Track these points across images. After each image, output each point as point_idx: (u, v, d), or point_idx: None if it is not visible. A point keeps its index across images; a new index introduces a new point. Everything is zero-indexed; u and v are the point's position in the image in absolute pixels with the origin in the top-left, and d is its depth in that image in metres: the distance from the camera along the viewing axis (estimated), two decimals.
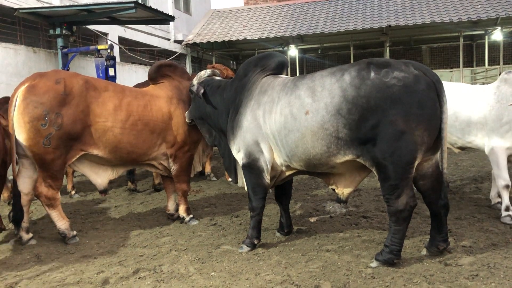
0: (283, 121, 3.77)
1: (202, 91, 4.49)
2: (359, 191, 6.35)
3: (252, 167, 4.05)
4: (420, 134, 3.34)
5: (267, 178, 4.04)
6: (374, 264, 3.55)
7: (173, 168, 4.99)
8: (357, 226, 4.69)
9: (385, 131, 3.35)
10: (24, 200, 4.45)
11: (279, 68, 4.23)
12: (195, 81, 4.70)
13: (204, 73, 4.76)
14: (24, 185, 4.47)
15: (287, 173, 4.10)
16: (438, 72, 14.97)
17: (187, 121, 4.89)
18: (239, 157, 4.17)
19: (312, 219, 5.00)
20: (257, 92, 4.08)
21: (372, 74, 3.42)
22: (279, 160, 3.98)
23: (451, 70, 15.22)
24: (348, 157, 3.55)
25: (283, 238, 4.38)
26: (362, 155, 3.50)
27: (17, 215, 4.38)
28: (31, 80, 4.32)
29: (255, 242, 4.11)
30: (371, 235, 4.34)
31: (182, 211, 5.14)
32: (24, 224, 4.51)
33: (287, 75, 4.33)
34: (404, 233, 3.52)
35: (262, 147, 3.98)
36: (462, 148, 5.39)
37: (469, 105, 4.96)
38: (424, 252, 3.76)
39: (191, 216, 5.14)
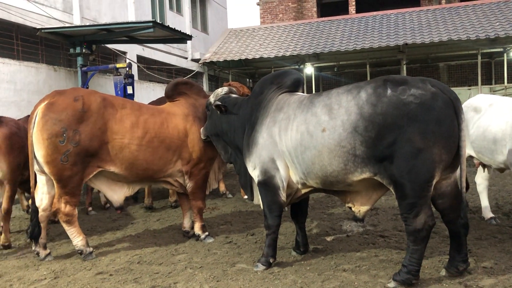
0: (300, 138, 3.76)
1: (224, 108, 4.50)
2: (377, 210, 6.26)
3: (268, 184, 4.03)
4: (438, 151, 3.29)
5: (283, 195, 4.01)
6: (392, 284, 3.48)
7: (189, 185, 5.00)
8: (375, 245, 4.62)
9: (402, 149, 3.32)
10: (41, 216, 4.51)
11: (295, 86, 4.24)
12: (212, 98, 4.74)
13: (221, 91, 4.79)
14: (42, 201, 4.53)
15: (303, 191, 4.07)
16: (456, 90, 14.88)
17: (203, 137, 4.90)
18: (255, 174, 4.16)
19: (329, 238, 4.94)
20: (272, 110, 4.08)
21: (389, 91, 3.41)
22: (295, 177, 3.96)
23: (469, 88, 15.07)
24: (366, 174, 3.52)
25: (299, 257, 4.33)
26: (379, 173, 3.46)
27: (34, 231, 4.45)
28: (50, 97, 4.41)
29: (271, 260, 4.06)
30: (388, 254, 4.27)
31: (197, 229, 5.12)
32: (42, 240, 4.56)
33: (302, 92, 4.34)
34: (422, 253, 3.45)
35: (278, 165, 3.97)
36: (501, 170, 5.09)
37: (495, 121, 4.73)
38: (443, 273, 3.68)
39: (207, 233, 5.12)
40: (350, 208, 3.94)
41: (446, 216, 3.62)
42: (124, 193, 4.80)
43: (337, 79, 18.55)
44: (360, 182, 3.64)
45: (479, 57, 14.49)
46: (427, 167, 3.30)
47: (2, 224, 5.09)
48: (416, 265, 3.43)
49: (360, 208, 3.87)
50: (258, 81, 4.50)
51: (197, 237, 5.11)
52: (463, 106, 5.26)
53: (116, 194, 4.76)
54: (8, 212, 5.04)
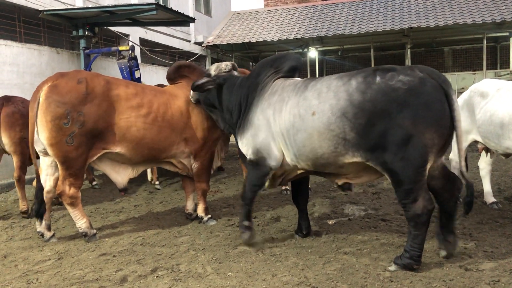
0: (292, 121, 3.82)
1: (210, 87, 4.53)
2: (378, 194, 6.28)
3: (258, 164, 4.09)
4: (429, 136, 3.32)
5: (268, 178, 4.10)
6: (393, 267, 3.51)
7: (195, 166, 5.04)
8: (376, 229, 4.65)
9: (393, 136, 3.35)
10: (46, 197, 4.55)
11: (292, 71, 4.26)
12: (212, 71, 4.64)
13: (225, 67, 4.65)
14: (46, 182, 4.56)
15: (295, 173, 4.14)
16: (461, 75, 14.83)
17: (192, 100, 4.92)
18: (248, 153, 4.20)
19: (330, 222, 4.97)
20: (268, 93, 4.13)
21: (378, 78, 3.46)
22: (287, 159, 4.01)
23: (474, 72, 14.95)
24: (357, 159, 3.57)
25: (300, 240, 4.36)
26: (371, 160, 3.50)
27: (40, 210, 4.53)
28: (53, 79, 4.40)
29: (246, 224, 4.21)
30: (389, 238, 4.29)
31: (200, 211, 5.17)
32: (46, 221, 4.61)
33: (301, 77, 4.34)
34: (423, 238, 3.47)
35: (272, 146, 4.01)
36: (506, 155, 5.04)
37: (503, 106, 4.65)
38: (443, 253, 3.70)
39: (209, 216, 5.16)
40: (338, 184, 4.01)
41: (440, 197, 3.64)
42: (128, 175, 4.82)
43: (341, 63, 18.44)
44: (352, 165, 3.68)
45: (485, 42, 14.33)
46: (420, 152, 3.32)
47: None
48: (418, 250, 3.44)
49: (348, 181, 3.95)
50: (258, 63, 4.51)
51: (199, 219, 5.15)
52: (469, 90, 5.25)
53: (120, 176, 4.78)
54: (19, 179, 5.72)
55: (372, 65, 15.01)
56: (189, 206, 5.35)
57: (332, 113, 3.56)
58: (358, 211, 5.38)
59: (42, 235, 4.62)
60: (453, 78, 14.51)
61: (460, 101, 5.39)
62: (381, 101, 3.39)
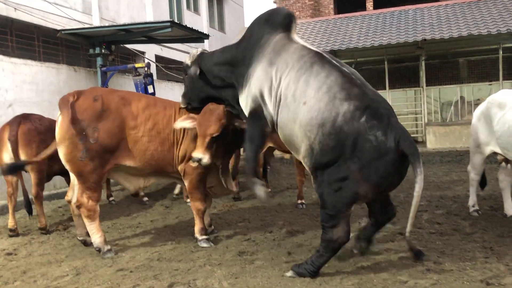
0: (286, 93, 3.81)
1: (198, 71, 4.44)
2: (396, 207, 6.19)
3: (257, 114, 4.01)
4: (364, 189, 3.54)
5: (269, 127, 4.04)
6: (289, 273, 3.74)
7: (186, 183, 4.91)
8: (394, 243, 4.59)
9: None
10: (75, 209, 4.85)
11: (287, 23, 4.12)
12: (188, 61, 4.58)
13: (197, 52, 4.58)
14: (74, 196, 4.81)
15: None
16: (477, 86, 14.69)
17: (182, 106, 4.69)
18: (247, 106, 4.12)
19: None
20: (269, 51, 4.01)
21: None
22: (271, 118, 4.00)
23: (490, 83, 14.79)
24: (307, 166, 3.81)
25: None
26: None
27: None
28: (72, 97, 4.54)
29: (255, 181, 4.09)
30: (408, 252, 4.23)
31: (196, 230, 4.93)
32: (85, 229, 4.89)
33: (295, 30, 4.24)
34: (326, 260, 3.70)
35: (268, 102, 3.95)
36: None
37: None
38: (355, 251, 4.19)
39: (205, 237, 4.89)
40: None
41: (377, 217, 4.06)
42: (140, 184, 4.93)
43: None
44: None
45: (500, 52, 14.20)
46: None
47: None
48: (315, 268, 3.67)
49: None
50: (248, 26, 4.40)
51: (195, 240, 4.96)
52: (486, 101, 5.20)
53: (132, 184, 4.92)
54: (37, 196, 5.77)
55: (386, 78, 14.98)
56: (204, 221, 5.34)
57: (316, 117, 3.61)
58: None
59: (84, 241, 4.98)
60: (469, 89, 14.39)
61: (477, 112, 5.34)
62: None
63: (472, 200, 5.58)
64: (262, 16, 4.26)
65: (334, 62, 3.86)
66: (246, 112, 4.13)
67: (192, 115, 4.62)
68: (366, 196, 3.57)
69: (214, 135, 4.41)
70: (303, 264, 3.73)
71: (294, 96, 3.75)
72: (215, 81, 4.44)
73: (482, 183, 5.69)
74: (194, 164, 4.47)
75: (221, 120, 4.44)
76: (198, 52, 4.56)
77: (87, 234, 4.89)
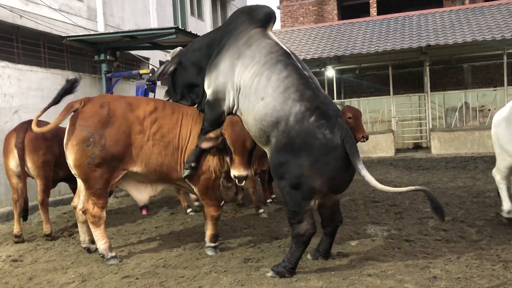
0: (247, 85, 4.08)
1: (171, 68, 4.79)
2: (401, 213, 6.19)
3: (215, 104, 4.37)
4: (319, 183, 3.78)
5: (224, 117, 4.38)
6: (270, 274, 3.90)
7: (196, 190, 4.84)
8: (400, 250, 4.57)
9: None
10: (80, 216, 4.87)
11: (266, 20, 4.40)
12: (169, 57, 4.90)
13: (176, 49, 4.91)
14: (80, 202, 4.83)
15: None
16: (481, 91, 14.67)
17: (165, 98, 5.08)
18: (208, 92, 4.44)
19: (353, 243, 4.91)
20: (241, 43, 4.27)
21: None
22: (235, 106, 4.30)
23: (494, 89, 14.76)
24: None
25: (323, 261, 4.31)
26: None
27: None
28: (79, 104, 4.61)
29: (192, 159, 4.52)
30: (414, 259, 4.22)
31: (207, 236, 4.88)
32: (89, 236, 4.93)
33: (273, 30, 4.53)
34: (300, 255, 3.91)
35: (230, 92, 4.25)
36: None
37: None
38: (308, 256, 4.33)
39: (213, 244, 4.83)
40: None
41: (327, 225, 4.23)
42: (148, 193, 4.86)
43: (359, 82, 18.43)
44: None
45: (505, 57, 14.17)
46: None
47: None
48: (292, 264, 3.87)
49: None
50: (231, 14, 4.69)
51: (203, 245, 4.94)
52: (508, 106, 5.15)
53: (141, 194, 4.85)
54: (43, 202, 5.74)
55: (391, 83, 14.98)
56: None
57: (271, 114, 3.87)
58: (381, 232, 5.31)
59: (88, 249, 4.97)
60: (473, 95, 14.36)
61: (498, 118, 5.27)
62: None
63: (506, 204, 5.24)
64: (245, 8, 4.56)
65: (298, 64, 4.09)
66: (208, 93, 4.42)
67: (215, 131, 4.44)
68: (322, 190, 3.80)
69: (252, 148, 4.41)
70: (281, 263, 3.93)
71: (254, 88, 4.01)
72: (193, 69, 4.74)
73: None
74: (242, 183, 4.39)
75: None
76: (178, 49, 4.94)
77: (91, 242, 4.92)
